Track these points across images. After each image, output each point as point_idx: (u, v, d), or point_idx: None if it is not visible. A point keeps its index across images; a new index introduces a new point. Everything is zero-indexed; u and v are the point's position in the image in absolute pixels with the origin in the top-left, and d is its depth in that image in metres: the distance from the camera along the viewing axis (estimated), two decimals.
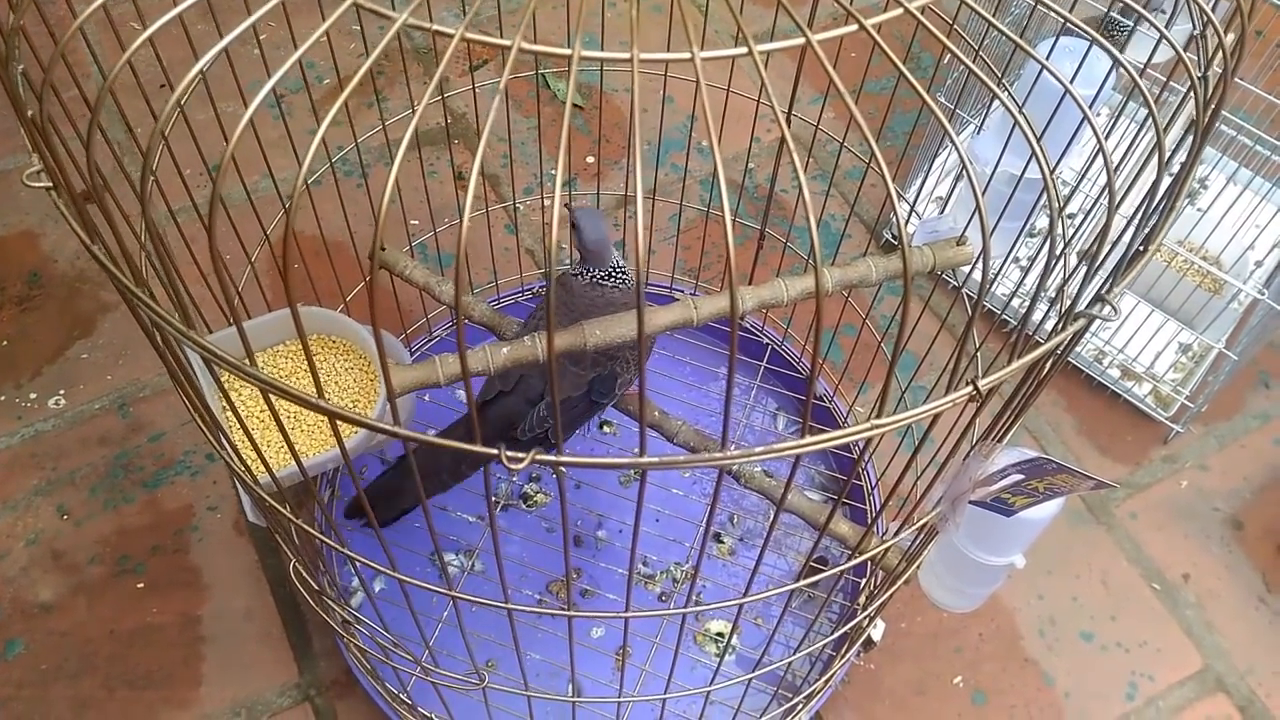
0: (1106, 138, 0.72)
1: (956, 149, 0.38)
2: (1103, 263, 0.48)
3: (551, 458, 0.38)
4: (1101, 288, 0.46)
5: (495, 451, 0.38)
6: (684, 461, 0.38)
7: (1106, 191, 0.39)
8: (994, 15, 1.12)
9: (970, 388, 0.38)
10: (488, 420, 0.87)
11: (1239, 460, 1.26)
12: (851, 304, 1.09)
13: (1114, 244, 0.49)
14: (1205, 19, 0.45)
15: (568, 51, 0.34)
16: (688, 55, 0.34)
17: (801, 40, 0.34)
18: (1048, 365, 0.53)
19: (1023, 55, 1.10)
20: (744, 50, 0.35)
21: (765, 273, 1.26)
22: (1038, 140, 0.45)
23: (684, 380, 1.21)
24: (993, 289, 0.91)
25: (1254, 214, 1.29)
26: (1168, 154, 0.47)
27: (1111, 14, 1.07)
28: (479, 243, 1.27)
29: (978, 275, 1.26)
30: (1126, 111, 1.34)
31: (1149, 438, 1.27)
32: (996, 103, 0.89)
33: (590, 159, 1.45)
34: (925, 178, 1.29)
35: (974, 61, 0.81)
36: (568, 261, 1.34)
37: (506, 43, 0.34)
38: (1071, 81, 0.74)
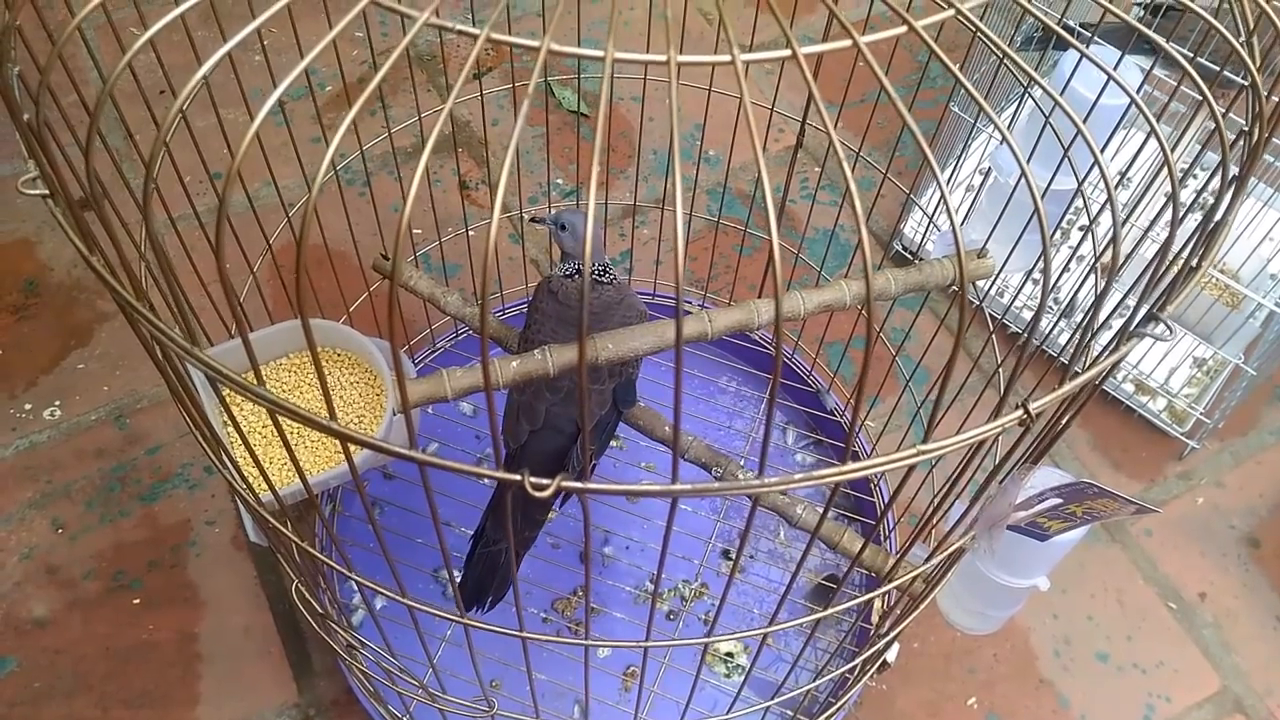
0: (1137, 154, 0.70)
1: (1004, 135, 0.36)
2: (1148, 278, 0.46)
3: (578, 484, 0.36)
4: (1150, 304, 0.44)
5: (518, 477, 0.35)
6: (718, 489, 0.36)
7: (1171, 203, 0.37)
8: (1014, 31, 1.10)
9: (1020, 411, 0.36)
10: (530, 461, 0.84)
11: (1255, 477, 1.24)
12: (865, 316, 1.07)
13: (1159, 261, 0.47)
14: (1258, 17, 0.43)
15: (600, 54, 0.32)
16: (728, 58, 0.32)
17: (848, 42, 0.32)
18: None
19: (1046, 67, 1.08)
20: (788, 53, 0.32)
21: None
22: (1082, 121, 0.43)
23: (691, 393, 1.19)
24: (1012, 305, 0.89)
25: (1272, 229, 1.27)
26: (1181, 165, 0.45)
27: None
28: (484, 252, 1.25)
29: (993, 292, 1.24)
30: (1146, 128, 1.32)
31: (1164, 454, 1.25)
32: (1019, 111, 0.87)
33: (596, 168, 1.43)
34: (950, 180, 1.27)
35: (999, 67, 0.79)
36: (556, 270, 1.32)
37: (535, 43, 0.32)
38: (1101, 91, 0.72)
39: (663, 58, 0.32)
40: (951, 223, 0.33)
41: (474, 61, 0.32)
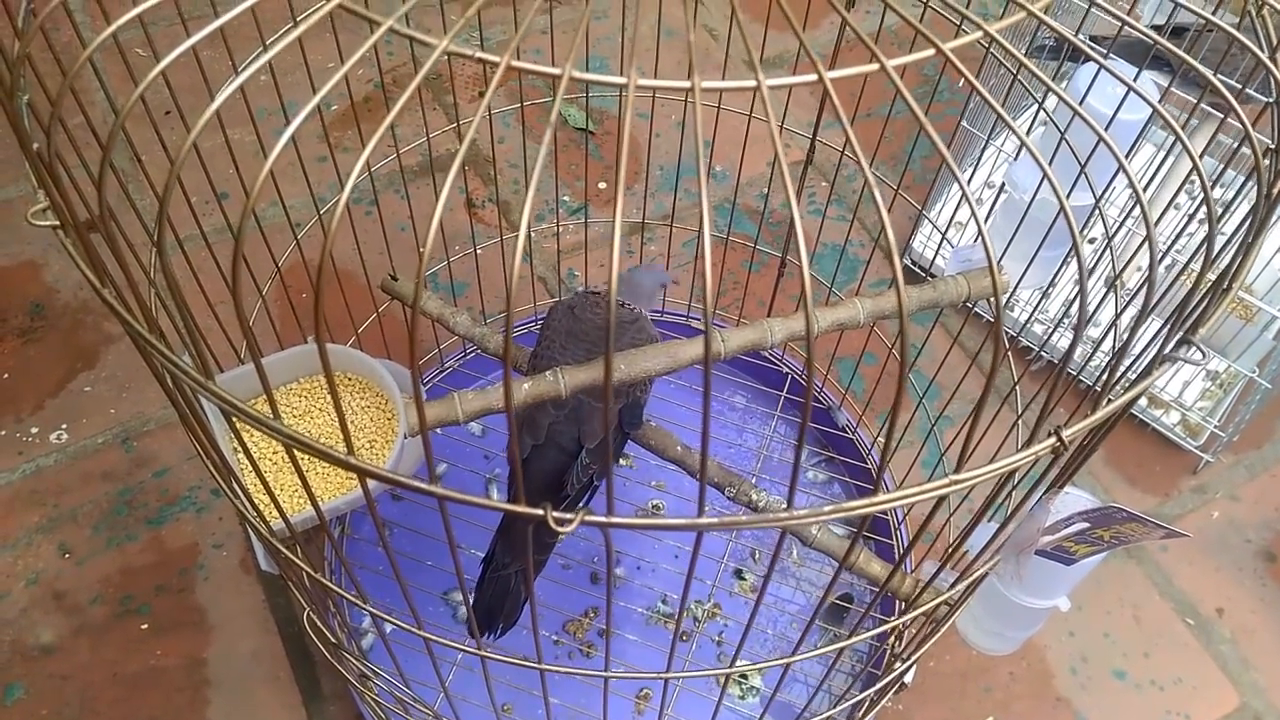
0: (1155, 173, 0.69)
1: (1025, 143, 0.35)
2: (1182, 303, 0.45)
3: (602, 519, 0.35)
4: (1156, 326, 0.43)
5: (540, 512, 0.35)
6: (746, 522, 0.35)
7: (1207, 224, 0.37)
8: (1025, 45, 1.09)
9: (1053, 439, 0.35)
10: (530, 478, 0.83)
11: (1270, 490, 1.23)
12: (877, 332, 1.06)
13: (1193, 284, 0.46)
14: None
15: (623, 80, 0.31)
16: (752, 83, 0.31)
17: (875, 66, 0.32)
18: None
19: (1059, 83, 1.07)
20: (814, 77, 0.32)
21: (784, 301, 1.24)
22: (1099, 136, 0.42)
23: (699, 410, 1.18)
24: (1029, 324, 0.88)
25: None
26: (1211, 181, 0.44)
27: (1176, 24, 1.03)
28: (493, 271, 1.24)
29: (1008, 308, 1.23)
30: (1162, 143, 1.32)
31: (1178, 468, 1.24)
32: (1031, 127, 0.86)
33: (603, 185, 1.43)
34: (960, 196, 1.26)
35: (1011, 82, 0.78)
36: (579, 288, 1.31)
37: (556, 71, 0.31)
38: (1120, 105, 0.71)
39: (686, 84, 0.31)
40: (982, 234, 0.32)
41: (495, 88, 0.31)
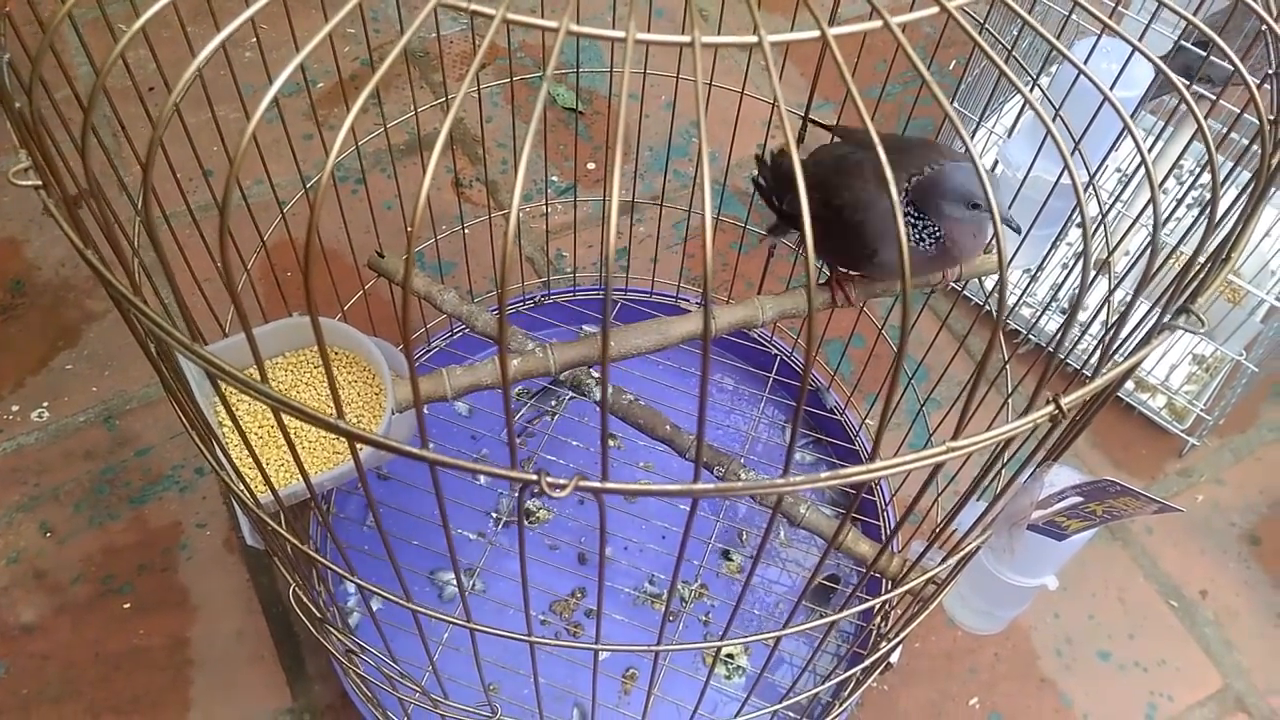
0: (1150, 150, 0.69)
1: (1028, 100, 0.35)
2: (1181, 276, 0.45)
3: (596, 484, 0.34)
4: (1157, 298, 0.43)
5: (534, 477, 0.34)
6: (742, 488, 0.35)
7: (1210, 199, 0.36)
8: (1018, 33, 1.09)
9: (1051, 406, 0.35)
10: None
11: (1255, 474, 1.24)
12: (866, 314, 1.06)
13: (1193, 253, 0.46)
14: None
15: (621, 34, 0.31)
16: (753, 39, 0.31)
17: (879, 23, 0.31)
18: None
19: (1054, 61, 1.07)
20: (816, 34, 0.31)
21: (773, 282, 1.23)
22: (1092, 115, 0.42)
23: (686, 391, 1.18)
24: (1017, 307, 0.88)
25: (1273, 225, 1.27)
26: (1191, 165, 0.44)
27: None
28: (481, 250, 1.23)
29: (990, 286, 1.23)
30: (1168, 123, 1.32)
31: (1164, 451, 1.25)
32: (1031, 91, 0.86)
33: (592, 165, 1.42)
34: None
35: (1006, 62, 0.78)
36: (569, 271, 1.31)
37: (553, 24, 0.31)
38: (1113, 85, 0.71)
39: (686, 39, 0.31)
40: (987, 191, 0.32)
41: (488, 45, 0.30)
